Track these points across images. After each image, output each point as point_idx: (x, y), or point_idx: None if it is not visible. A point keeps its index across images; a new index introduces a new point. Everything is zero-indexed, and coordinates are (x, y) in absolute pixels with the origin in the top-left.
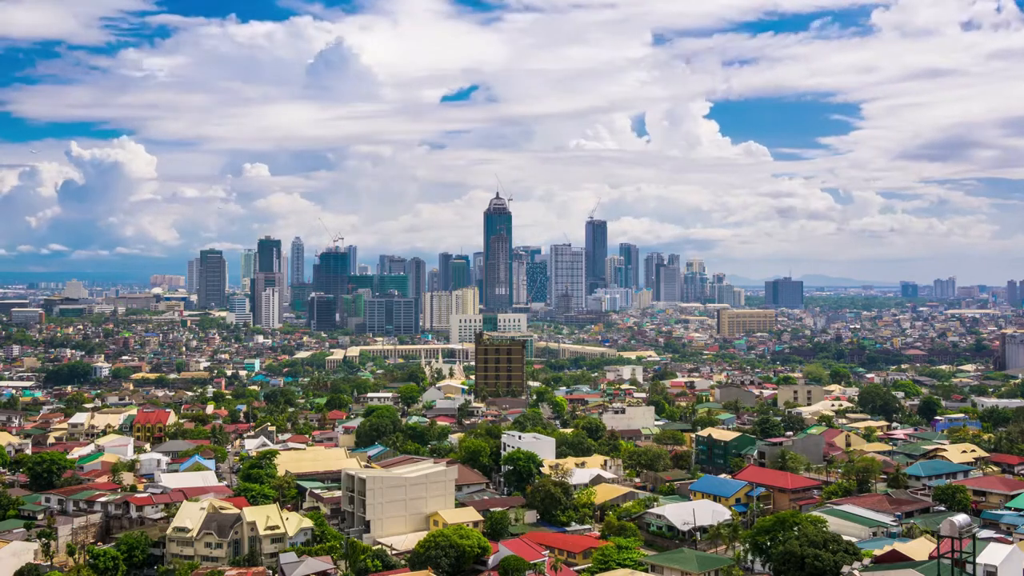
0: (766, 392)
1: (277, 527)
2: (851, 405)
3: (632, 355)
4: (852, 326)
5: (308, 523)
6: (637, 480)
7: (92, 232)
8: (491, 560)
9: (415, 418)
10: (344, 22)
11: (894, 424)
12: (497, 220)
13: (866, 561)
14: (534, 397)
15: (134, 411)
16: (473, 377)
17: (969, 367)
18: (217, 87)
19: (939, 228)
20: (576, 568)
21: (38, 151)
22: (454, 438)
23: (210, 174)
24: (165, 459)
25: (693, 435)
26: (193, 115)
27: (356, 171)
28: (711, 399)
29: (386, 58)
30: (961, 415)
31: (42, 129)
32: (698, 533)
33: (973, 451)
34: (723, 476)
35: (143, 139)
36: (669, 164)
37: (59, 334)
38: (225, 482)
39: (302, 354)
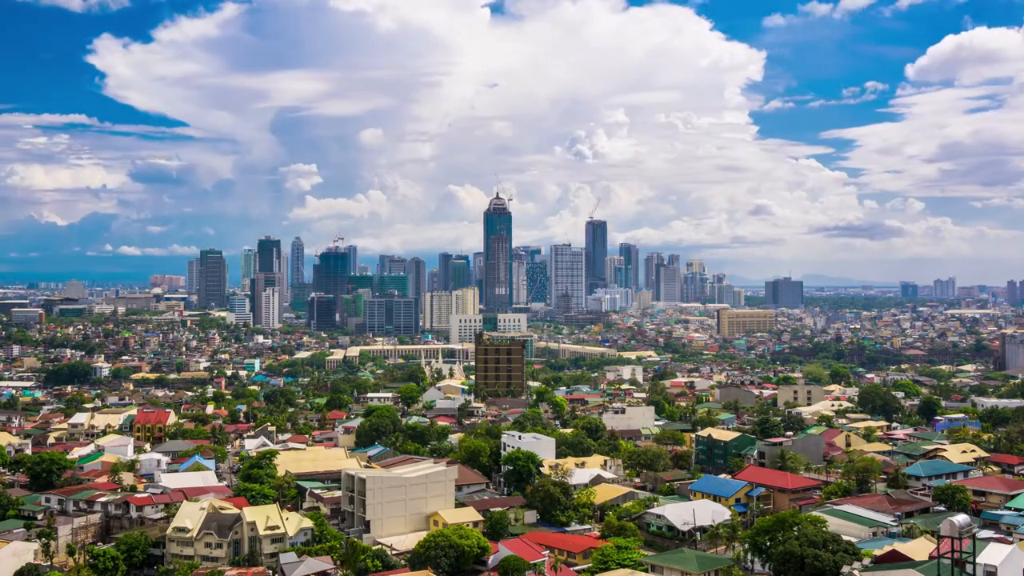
0: (766, 392)
1: (277, 527)
2: (851, 405)
3: (632, 355)
4: (852, 326)
5: (308, 523)
6: (637, 480)
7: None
8: (491, 560)
9: (415, 418)
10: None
11: (894, 424)
12: (497, 220)
13: (866, 561)
14: (534, 397)
15: (134, 411)
16: (473, 377)
17: (969, 367)
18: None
19: (941, 228)
20: (576, 568)
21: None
22: (454, 438)
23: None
24: (165, 459)
25: (693, 435)
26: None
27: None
28: (711, 399)
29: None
30: (961, 415)
31: None
32: (698, 533)
33: (973, 451)
34: (723, 476)
35: None
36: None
37: (59, 334)
38: (225, 482)
39: (302, 354)
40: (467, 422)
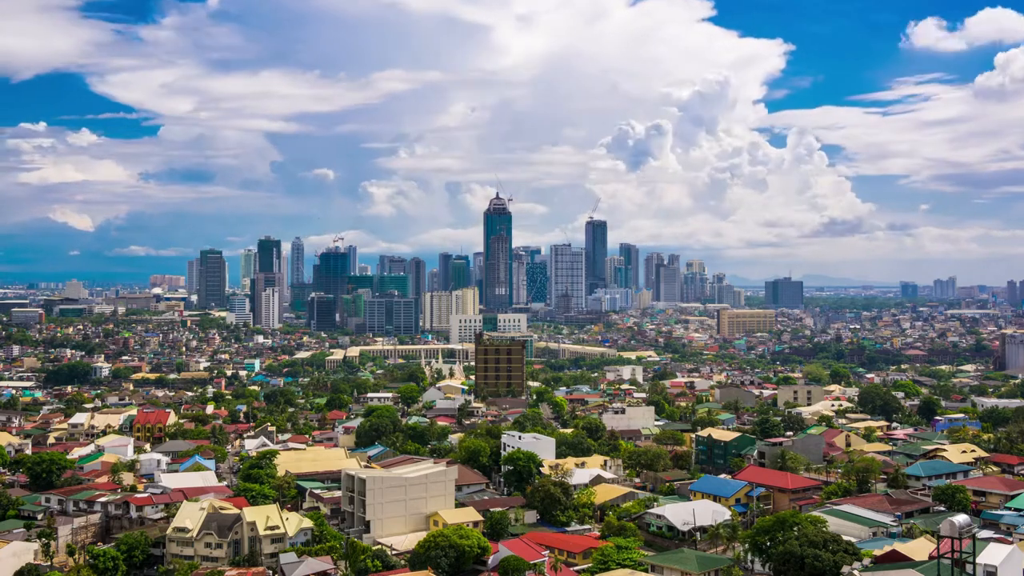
0: (766, 392)
1: (277, 527)
2: (851, 405)
3: (632, 355)
4: (852, 326)
5: (308, 523)
6: (637, 480)
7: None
8: (491, 560)
9: (415, 418)
10: None
11: (894, 424)
12: (497, 220)
13: (866, 561)
14: (534, 397)
15: (134, 411)
16: (473, 377)
17: (969, 367)
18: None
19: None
20: (576, 568)
21: None
22: (454, 438)
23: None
24: (165, 459)
25: (693, 435)
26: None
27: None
28: (711, 399)
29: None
30: (961, 415)
31: None
32: (698, 533)
33: (973, 451)
34: (723, 476)
35: None
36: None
37: (59, 334)
38: (225, 482)
39: (302, 354)
40: (467, 422)
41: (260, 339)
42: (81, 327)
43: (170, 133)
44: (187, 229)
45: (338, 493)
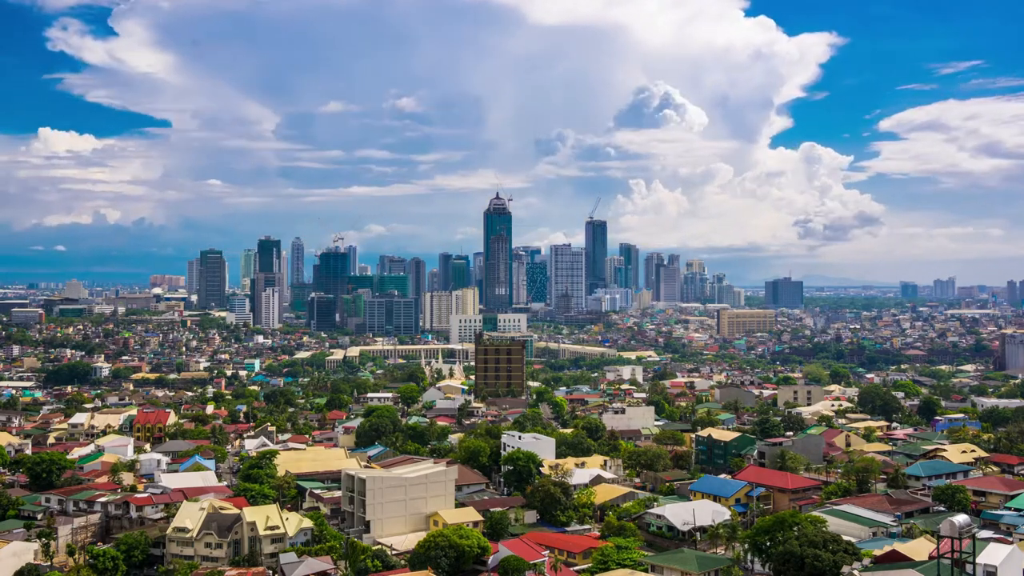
0: (766, 392)
1: (277, 527)
2: (851, 405)
3: (632, 355)
4: (852, 326)
5: (308, 523)
6: (637, 480)
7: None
8: (491, 560)
9: (415, 418)
10: None
11: (894, 424)
12: (497, 220)
13: (866, 561)
14: (534, 397)
15: (134, 411)
16: (473, 377)
17: (969, 367)
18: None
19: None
20: (576, 568)
21: None
22: (454, 438)
23: None
24: (165, 459)
25: (693, 435)
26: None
27: None
28: (711, 399)
29: None
30: (961, 415)
31: None
32: (698, 533)
33: (973, 451)
34: (723, 476)
35: None
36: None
37: (59, 334)
38: (225, 482)
39: (302, 354)
40: (467, 422)
41: (260, 339)
42: (81, 327)
43: (185, 134)
44: (198, 229)
45: (338, 493)
